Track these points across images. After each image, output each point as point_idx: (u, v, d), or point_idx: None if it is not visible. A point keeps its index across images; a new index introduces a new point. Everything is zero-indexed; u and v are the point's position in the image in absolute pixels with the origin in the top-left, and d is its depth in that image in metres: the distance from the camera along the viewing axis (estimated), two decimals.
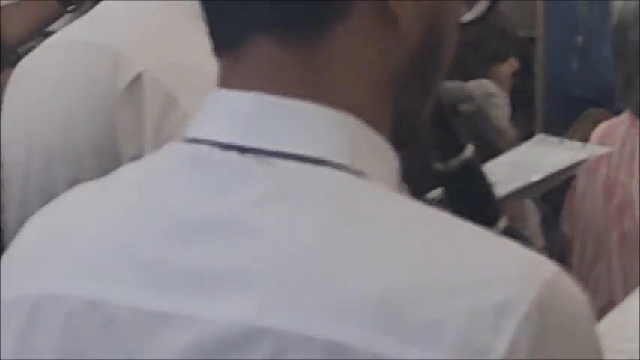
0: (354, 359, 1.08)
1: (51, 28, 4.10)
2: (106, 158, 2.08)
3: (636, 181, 3.50)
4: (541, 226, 3.86)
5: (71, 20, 3.84)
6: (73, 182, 1.88)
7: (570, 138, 3.84)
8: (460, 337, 1.07)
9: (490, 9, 1.39)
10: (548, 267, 1.10)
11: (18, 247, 1.27)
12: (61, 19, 4.20)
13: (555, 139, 3.55)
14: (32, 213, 1.84)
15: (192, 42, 2.00)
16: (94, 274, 1.19)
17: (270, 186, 1.14)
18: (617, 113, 3.75)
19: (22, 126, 2.29)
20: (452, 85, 4.04)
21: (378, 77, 1.20)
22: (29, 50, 2.71)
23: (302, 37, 1.17)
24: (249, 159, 1.15)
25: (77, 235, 1.23)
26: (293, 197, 1.15)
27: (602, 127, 3.68)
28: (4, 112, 2.35)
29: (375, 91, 1.20)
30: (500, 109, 4.17)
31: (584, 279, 3.55)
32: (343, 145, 1.17)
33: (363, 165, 1.17)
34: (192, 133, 1.19)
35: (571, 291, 1.12)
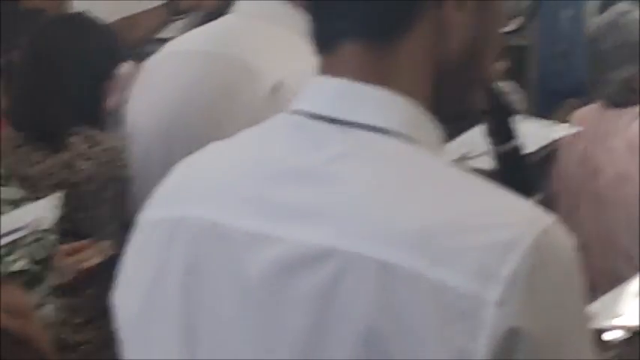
0: (397, 274, 1.22)
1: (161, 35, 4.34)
2: None
3: (607, 153, 3.84)
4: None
5: (185, 29, 4.09)
6: None
7: (554, 119, 4.24)
8: (476, 264, 1.20)
9: (523, 26, 1.54)
10: (548, 218, 1.24)
11: (163, 184, 1.46)
12: (170, 26, 4.43)
13: (543, 120, 3.95)
14: None
15: (301, 51, 2.19)
16: (216, 204, 1.36)
17: (346, 147, 1.31)
18: (587, 103, 4.13)
19: (158, 116, 2.48)
20: None
21: (430, 73, 1.36)
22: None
23: (378, 43, 1.34)
24: (333, 126, 1.33)
25: (206, 176, 1.42)
26: (361, 156, 1.31)
27: (580, 112, 4.07)
28: (135, 102, 2.61)
29: (426, 82, 1.36)
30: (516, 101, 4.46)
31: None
32: (402, 119, 1.33)
33: (415, 134, 1.33)
34: (295, 106, 1.37)
35: (562, 238, 1.25)
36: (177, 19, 4.36)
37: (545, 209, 1.28)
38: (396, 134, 1.31)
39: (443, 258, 1.21)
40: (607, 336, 1.84)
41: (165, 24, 4.39)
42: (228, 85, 2.33)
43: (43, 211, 2.73)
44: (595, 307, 1.97)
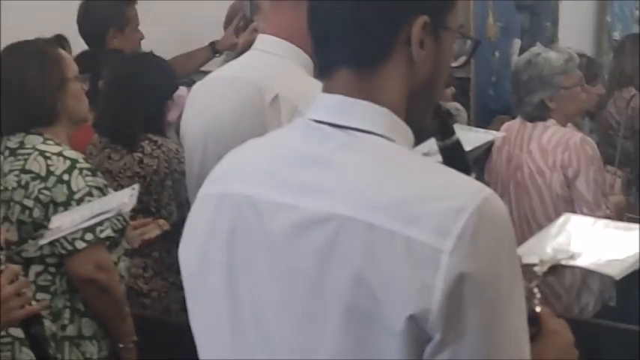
0: (380, 232, 1.24)
1: (205, 68, 4.25)
2: None
3: (525, 154, 3.86)
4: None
5: (223, 63, 4.00)
6: None
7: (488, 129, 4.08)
8: (436, 224, 1.22)
9: (466, 62, 1.53)
10: (487, 190, 1.27)
11: (216, 168, 1.48)
12: (212, 61, 4.34)
13: (468, 127, 3.85)
14: (209, 171, 2.16)
15: (302, 78, 2.39)
16: (250, 182, 1.38)
17: (344, 141, 1.34)
18: (512, 118, 4.15)
19: (199, 126, 2.60)
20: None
21: (403, 91, 1.37)
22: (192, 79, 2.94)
23: (365, 69, 1.36)
24: (334, 129, 1.35)
25: (244, 162, 1.44)
26: (357, 147, 1.33)
27: (507, 125, 4.08)
28: (186, 116, 2.73)
29: (400, 99, 1.37)
30: (461, 114, 4.39)
31: None
32: (383, 124, 1.35)
33: (393, 135, 1.36)
34: (308, 115, 1.40)
35: (498, 204, 1.26)
36: (217, 56, 4.38)
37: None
38: (380, 135, 1.34)
39: (412, 220, 1.23)
40: (533, 269, 1.85)
41: (208, 59, 4.40)
42: (245, 99, 2.43)
43: (125, 198, 2.76)
44: (522, 248, 2.01)
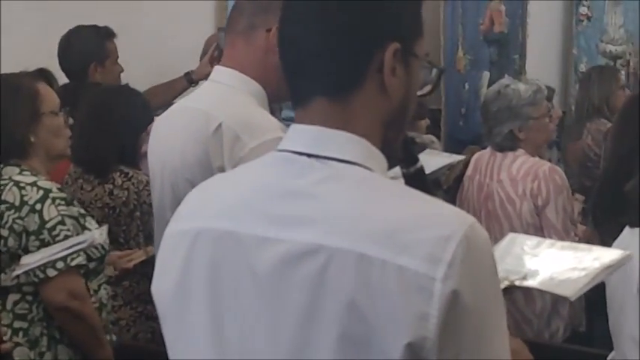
0: (371, 262, 1.23)
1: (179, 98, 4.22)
2: (204, 168, 2.33)
3: (496, 183, 3.88)
4: None
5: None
6: (188, 182, 2.28)
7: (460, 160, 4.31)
8: (427, 252, 1.23)
9: (432, 90, 1.53)
10: (471, 218, 1.28)
11: (183, 205, 1.46)
12: (188, 92, 4.23)
13: (437, 151, 3.94)
14: (166, 201, 2.13)
15: (248, 107, 2.40)
16: (230, 217, 1.36)
17: (325, 173, 1.33)
18: (483, 148, 4.15)
19: (159, 152, 2.65)
20: (417, 136, 4.31)
21: (378, 120, 1.37)
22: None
23: (339, 98, 1.35)
24: (313, 159, 1.34)
25: (218, 196, 1.42)
26: (339, 178, 1.33)
27: (477, 154, 4.11)
28: (149, 147, 2.75)
29: (375, 127, 1.37)
30: (435, 146, 4.48)
31: None
32: (360, 153, 1.35)
33: (370, 164, 1.35)
34: (282, 147, 1.39)
35: (481, 231, 1.28)
36: (193, 86, 4.37)
37: None
38: (358, 164, 1.34)
39: (403, 249, 1.23)
40: None
41: (184, 90, 4.39)
42: (192, 127, 2.46)
43: (96, 234, 2.84)
44: None
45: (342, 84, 1.34)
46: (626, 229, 2.74)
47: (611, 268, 2.03)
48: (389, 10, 1.35)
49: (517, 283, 1.96)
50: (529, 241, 2.16)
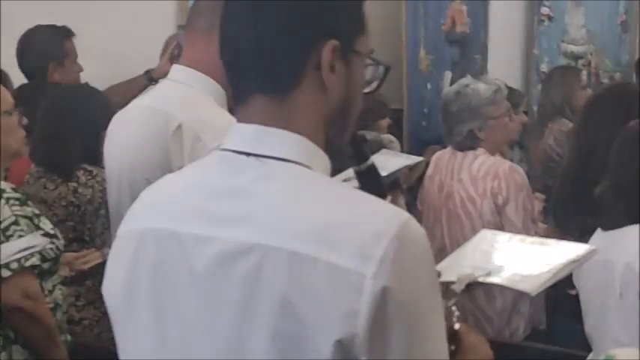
0: (303, 259, 1.25)
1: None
2: (163, 168, 2.33)
3: (456, 182, 3.89)
4: (407, 205, 4.21)
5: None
6: (147, 182, 2.20)
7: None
8: (359, 249, 1.24)
9: (378, 87, 1.50)
10: (405, 214, 1.29)
11: (134, 205, 1.48)
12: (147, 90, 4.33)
13: (395, 153, 3.95)
14: (124, 200, 2.12)
15: (208, 107, 2.41)
16: (172, 217, 1.38)
17: (261, 171, 1.34)
18: (443, 147, 4.13)
19: (116, 151, 2.66)
20: (375, 135, 4.27)
21: (319, 117, 1.38)
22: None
23: (278, 96, 1.36)
24: (251, 158, 1.35)
25: (164, 197, 1.44)
26: (275, 177, 1.34)
27: (438, 154, 4.10)
28: (105, 146, 2.77)
29: (316, 125, 1.38)
30: (394, 146, 4.41)
31: (429, 234, 3.87)
32: (299, 152, 1.35)
33: (310, 162, 1.36)
34: (223, 146, 1.40)
35: (415, 228, 1.29)
36: (153, 84, 4.33)
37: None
38: (297, 162, 1.35)
39: (334, 246, 1.24)
40: (452, 287, 1.86)
41: (144, 88, 4.37)
42: (152, 127, 2.46)
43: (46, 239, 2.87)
44: (440, 266, 2.02)
45: (280, 82, 1.35)
46: (598, 232, 2.80)
47: (575, 263, 2.04)
48: (326, 8, 1.35)
49: (480, 279, 1.96)
50: (499, 237, 2.17)
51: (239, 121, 1.39)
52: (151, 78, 4.45)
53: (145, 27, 5.05)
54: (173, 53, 4.14)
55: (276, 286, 1.25)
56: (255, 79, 1.36)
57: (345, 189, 1.36)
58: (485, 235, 2.20)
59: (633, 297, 2.61)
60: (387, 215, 1.28)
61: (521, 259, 2.03)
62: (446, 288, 1.80)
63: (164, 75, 4.33)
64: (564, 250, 2.07)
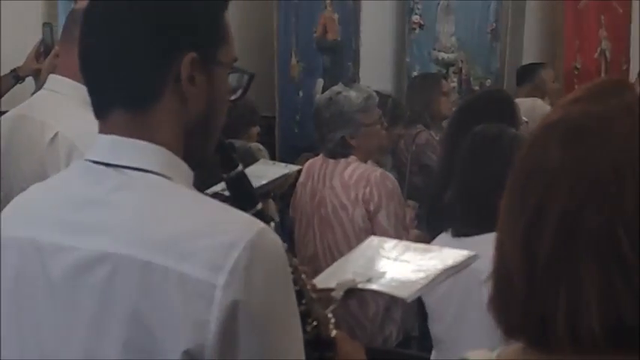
0: (154, 269, 1.26)
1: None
2: (39, 178, 2.16)
3: (328, 189, 3.91)
4: (279, 213, 4.27)
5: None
6: (22, 190, 2.25)
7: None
8: (209, 260, 1.25)
9: (242, 95, 1.52)
10: (260, 225, 1.30)
11: (2, 214, 1.49)
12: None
13: (272, 162, 3.99)
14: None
15: (85, 116, 2.37)
16: (34, 226, 1.40)
17: (118, 182, 1.36)
18: (315, 155, 4.16)
19: None
20: (242, 143, 4.21)
21: (179, 129, 1.39)
22: None
23: (137, 109, 1.37)
24: (109, 168, 1.37)
25: (28, 206, 1.47)
26: (131, 187, 1.35)
27: (310, 161, 4.12)
28: None
29: (177, 136, 1.39)
30: (262, 154, 4.39)
31: (302, 240, 3.94)
32: (158, 162, 1.36)
33: (169, 173, 1.37)
34: (86, 156, 1.42)
35: (270, 238, 1.30)
36: (20, 83, 4.21)
37: (289, 230, 1.30)
38: (156, 173, 1.35)
39: (186, 256, 1.25)
40: (332, 293, 1.87)
41: (11, 87, 4.21)
42: (27, 136, 2.47)
43: None
44: (324, 273, 2.05)
45: (139, 96, 1.36)
46: (445, 236, 2.86)
47: (454, 269, 2.06)
48: (181, 21, 1.36)
49: (360, 286, 1.98)
50: (386, 244, 2.19)
51: (100, 132, 1.40)
52: (17, 77, 4.32)
53: (10, 24, 4.92)
54: (39, 50, 4.06)
55: (127, 296, 1.26)
56: (114, 92, 1.38)
57: (203, 200, 1.37)
58: (372, 241, 2.22)
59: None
60: (241, 225, 1.29)
61: (403, 265, 2.05)
62: (325, 295, 1.83)
63: (31, 73, 4.30)
64: (444, 257, 2.10)
